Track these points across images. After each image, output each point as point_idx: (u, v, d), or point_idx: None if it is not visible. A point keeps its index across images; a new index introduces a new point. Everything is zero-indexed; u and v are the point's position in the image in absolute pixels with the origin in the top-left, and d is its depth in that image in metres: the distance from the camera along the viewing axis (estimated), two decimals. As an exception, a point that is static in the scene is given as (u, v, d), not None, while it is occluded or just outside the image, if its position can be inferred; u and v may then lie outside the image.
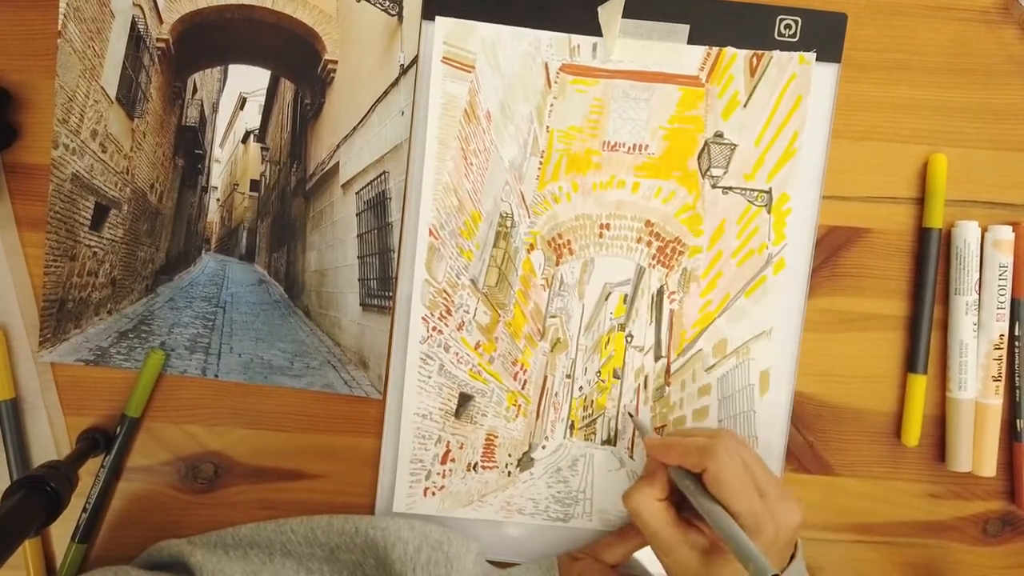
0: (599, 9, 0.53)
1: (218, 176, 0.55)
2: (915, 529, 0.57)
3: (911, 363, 0.55)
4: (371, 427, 0.55)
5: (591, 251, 0.55)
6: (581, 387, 0.56)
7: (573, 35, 0.53)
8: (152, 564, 0.52)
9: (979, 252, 0.54)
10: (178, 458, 0.55)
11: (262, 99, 0.54)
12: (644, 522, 0.47)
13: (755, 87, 0.53)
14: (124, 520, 0.55)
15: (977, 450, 0.55)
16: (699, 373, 0.55)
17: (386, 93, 0.53)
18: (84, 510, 0.53)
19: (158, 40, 0.53)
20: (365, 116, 0.53)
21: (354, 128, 0.54)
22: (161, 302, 0.54)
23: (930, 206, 0.54)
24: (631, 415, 0.55)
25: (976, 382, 0.55)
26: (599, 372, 0.55)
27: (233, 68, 0.54)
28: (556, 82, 0.53)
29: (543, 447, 0.56)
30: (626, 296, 0.55)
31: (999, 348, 0.54)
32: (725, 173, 0.54)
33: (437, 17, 0.52)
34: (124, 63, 0.52)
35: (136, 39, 0.52)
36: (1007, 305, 0.54)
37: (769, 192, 0.54)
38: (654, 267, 0.55)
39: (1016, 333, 0.54)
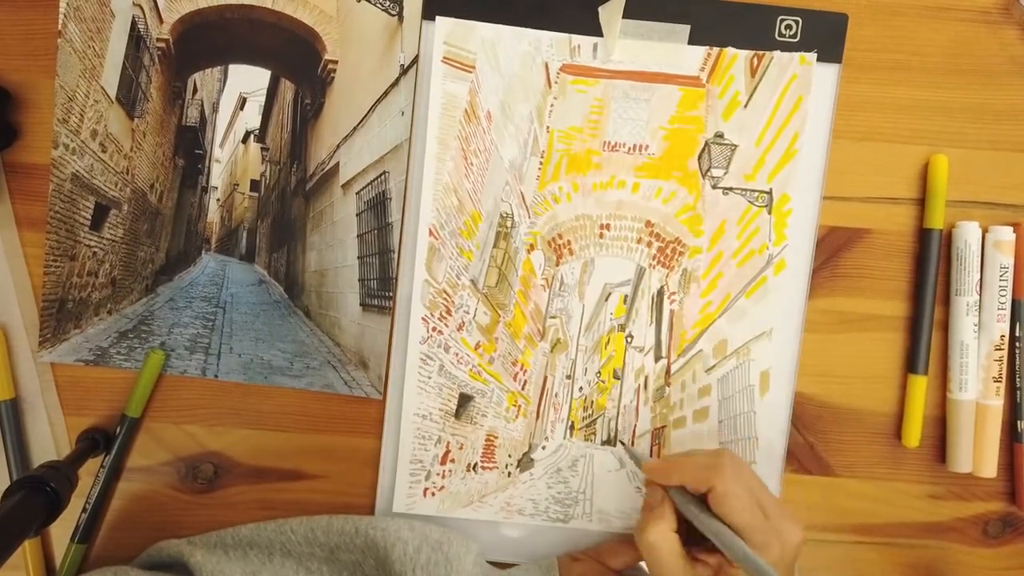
0: (599, 9, 0.53)
1: (218, 176, 0.55)
2: (915, 530, 0.57)
3: (911, 364, 0.55)
4: (371, 427, 0.55)
5: (591, 251, 0.55)
6: (581, 388, 0.55)
7: (573, 35, 0.53)
8: (152, 564, 0.52)
9: (980, 253, 0.54)
10: (178, 458, 0.55)
11: (262, 99, 0.54)
12: (660, 558, 0.45)
13: (756, 87, 0.53)
14: (124, 520, 0.55)
15: (978, 451, 0.55)
16: (699, 374, 0.55)
17: (386, 93, 0.53)
18: (84, 510, 0.53)
19: (158, 40, 0.53)
20: (365, 116, 0.53)
21: (354, 128, 0.54)
22: (161, 302, 0.54)
23: (931, 207, 0.54)
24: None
25: (977, 383, 0.55)
26: (599, 373, 0.55)
27: (233, 68, 0.54)
28: (556, 82, 0.53)
29: (543, 448, 0.56)
30: (626, 297, 0.55)
31: (1000, 349, 0.54)
32: (725, 174, 0.54)
33: (437, 17, 0.52)
34: (124, 63, 0.52)
35: (136, 39, 0.52)
36: (1008, 306, 0.54)
37: (770, 193, 0.54)
38: (654, 268, 0.55)
39: (1017, 334, 0.54)
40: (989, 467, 0.54)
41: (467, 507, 0.55)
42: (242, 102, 0.54)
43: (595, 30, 0.53)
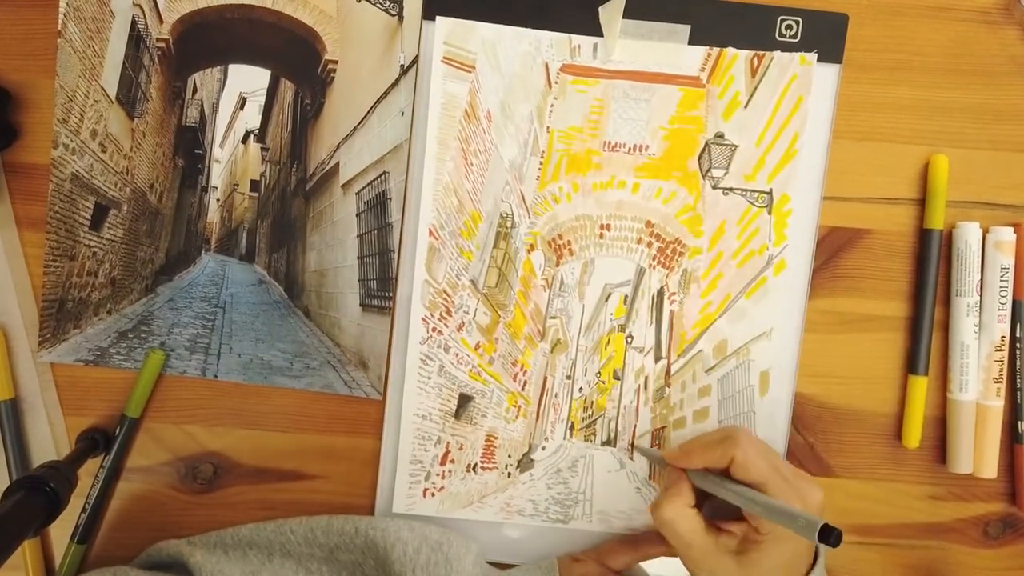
0: (600, 9, 0.52)
1: (218, 176, 0.55)
2: (916, 531, 0.57)
3: (912, 364, 0.55)
4: (371, 428, 0.55)
5: (591, 252, 0.55)
6: (581, 388, 0.55)
7: (573, 35, 0.53)
8: (151, 564, 0.52)
9: (980, 253, 0.54)
10: (178, 458, 0.55)
11: (262, 99, 0.54)
12: (679, 533, 0.46)
13: (756, 88, 0.53)
14: (123, 520, 0.55)
15: (978, 452, 0.54)
16: (699, 374, 0.55)
17: (386, 93, 0.53)
18: (83, 510, 0.53)
19: (158, 40, 0.53)
20: (365, 116, 0.53)
21: (354, 128, 0.54)
22: (161, 302, 0.54)
23: (931, 207, 0.54)
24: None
25: (977, 384, 0.54)
26: (599, 373, 0.55)
27: (233, 68, 0.54)
28: (556, 82, 0.53)
29: (543, 448, 0.55)
30: (626, 297, 0.55)
31: (1000, 350, 0.54)
32: (726, 174, 0.54)
33: (437, 17, 0.52)
34: (124, 63, 0.52)
35: (136, 39, 0.52)
36: (1008, 306, 0.54)
37: (770, 193, 0.54)
38: (654, 268, 0.55)
39: (1017, 335, 0.54)
40: (989, 468, 0.54)
41: (467, 508, 0.55)
42: (242, 102, 0.54)
43: (595, 30, 0.53)
